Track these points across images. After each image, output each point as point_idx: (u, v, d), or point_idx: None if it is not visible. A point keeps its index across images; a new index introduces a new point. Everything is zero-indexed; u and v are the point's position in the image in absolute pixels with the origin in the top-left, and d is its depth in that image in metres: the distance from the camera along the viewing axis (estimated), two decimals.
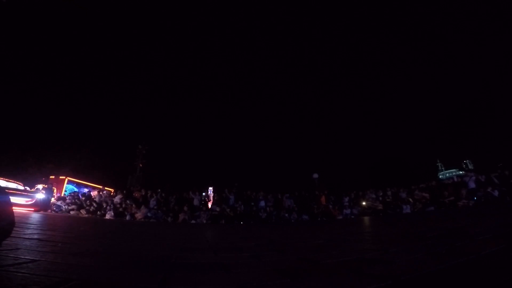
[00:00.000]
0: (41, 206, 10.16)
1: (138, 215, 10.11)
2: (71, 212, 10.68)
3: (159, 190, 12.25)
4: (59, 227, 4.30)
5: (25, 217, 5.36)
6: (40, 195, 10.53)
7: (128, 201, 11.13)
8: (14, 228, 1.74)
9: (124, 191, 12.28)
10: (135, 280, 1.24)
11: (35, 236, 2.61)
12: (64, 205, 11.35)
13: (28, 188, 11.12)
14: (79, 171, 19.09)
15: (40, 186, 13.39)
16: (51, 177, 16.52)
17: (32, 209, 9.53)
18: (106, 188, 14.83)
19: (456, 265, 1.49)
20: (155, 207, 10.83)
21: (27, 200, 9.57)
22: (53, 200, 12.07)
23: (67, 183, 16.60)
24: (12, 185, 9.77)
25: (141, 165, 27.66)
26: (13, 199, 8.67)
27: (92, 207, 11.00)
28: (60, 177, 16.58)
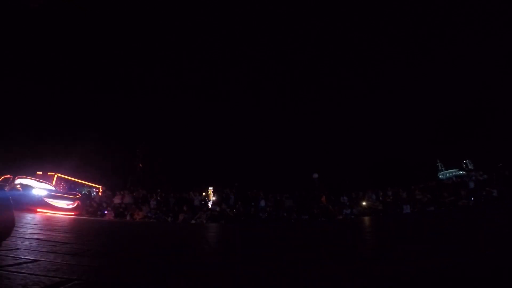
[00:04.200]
0: (81, 210, 9.17)
1: (138, 215, 10.11)
2: None
3: (159, 190, 12.24)
4: (59, 227, 4.30)
5: (24, 217, 5.36)
6: (81, 198, 9.54)
7: (128, 201, 11.13)
8: (14, 228, 1.74)
9: (124, 191, 12.27)
10: (135, 280, 1.24)
11: (35, 236, 2.61)
12: None
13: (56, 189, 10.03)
14: (79, 171, 18.89)
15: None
16: (38, 173, 14.38)
17: (73, 214, 8.49)
18: (102, 187, 14.67)
19: (456, 265, 1.49)
20: (155, 207, 10.84)
21: (68, 204, 8.45)
22: None
23: (56, 180, 15.49)
24: (42, 185, 8.67)
25: (141, 165, 27.72)
26: (54, 202, 7.94)
27: (92, 207, 11.00)
28: (49, 173, 14.71)
